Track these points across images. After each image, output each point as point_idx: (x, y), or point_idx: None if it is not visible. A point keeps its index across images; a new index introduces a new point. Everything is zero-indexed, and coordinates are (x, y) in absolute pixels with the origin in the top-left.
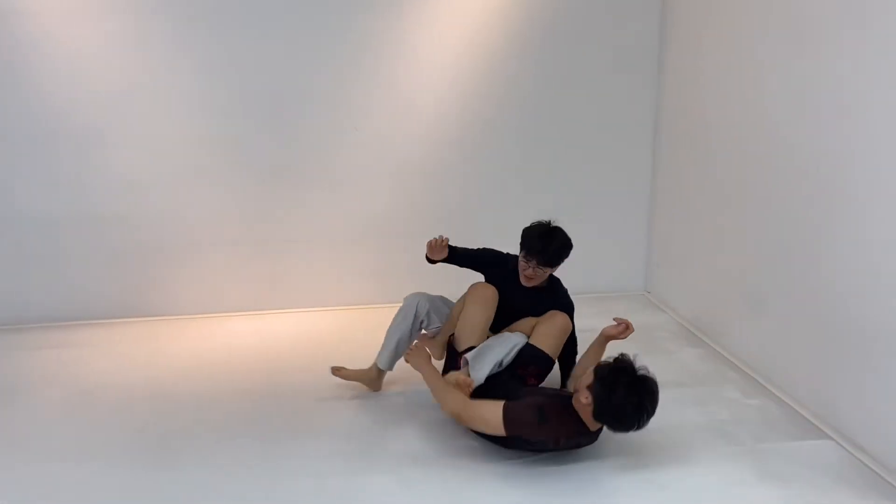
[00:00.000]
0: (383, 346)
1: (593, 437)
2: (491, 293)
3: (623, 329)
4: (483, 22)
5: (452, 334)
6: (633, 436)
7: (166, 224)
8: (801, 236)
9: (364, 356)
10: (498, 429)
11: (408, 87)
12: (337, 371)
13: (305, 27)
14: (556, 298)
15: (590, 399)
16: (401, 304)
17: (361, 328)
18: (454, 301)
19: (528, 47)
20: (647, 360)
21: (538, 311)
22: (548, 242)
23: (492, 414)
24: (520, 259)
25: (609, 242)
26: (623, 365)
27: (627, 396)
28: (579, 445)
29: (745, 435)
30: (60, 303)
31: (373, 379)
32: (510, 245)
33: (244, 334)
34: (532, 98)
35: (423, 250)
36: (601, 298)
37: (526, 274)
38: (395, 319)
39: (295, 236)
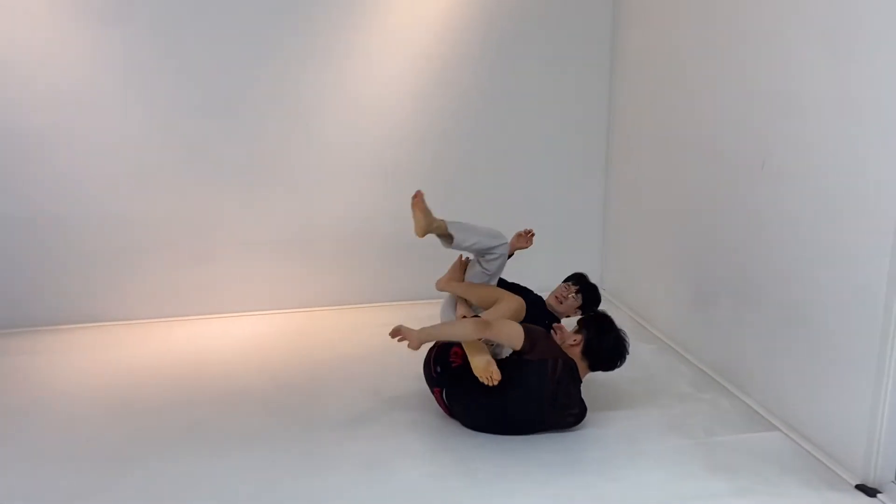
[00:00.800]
0: (464, 228)
1: (578, 400)
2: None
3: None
4: (437, 25)
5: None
6: (584, 430)
7: (110, 227)
8: (749, 231)
9: (317, 358)
10: (519, 338)
11: (362, 90)
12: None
13: (260, 29)
14: None
15: (579, 339)
16: (493, 228)
17: (314, 330)
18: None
19: (483, 49)
20: None
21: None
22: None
23: (515, 329)
24: (561, 286)
25: (564, 239)
26: (605, 315)
27: (616, 337)
28: (568, 403)
29: (697, 428)
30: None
31: (431, 229)
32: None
33: (193, 339)
34: (486, 99)
35: (378, 251)
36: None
37: (563, 296)
38: (484, 227)
39: (246, 239)
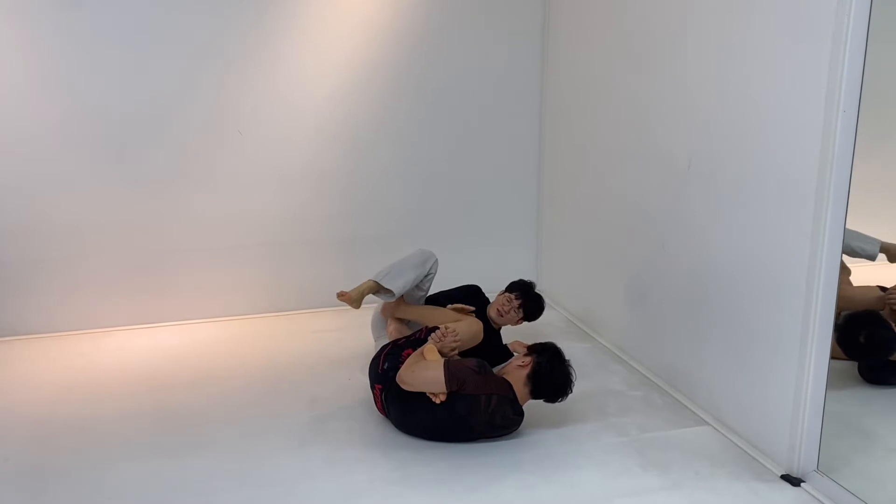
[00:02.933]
0: (395, 273)
1: (518, 416)
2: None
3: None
4: (367, 22)
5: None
6: (521, 431)
7: (35, 235)
8: (677, 230)
9: (251, 367)
10: (440, 383)
11: (290, 92)
12: (342, 296)
13: (186, 30)
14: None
15: (528, 361)
16: (417, 251)
17: (249, 339)
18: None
19: (415, 49)
20: None
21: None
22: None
23: (434, 371)
24: (503, 297)
25: (500, 241)
26: (551, 343)
27: (565, 372)
28: (505, 424)
29: (630, 426)
30: None
31: (363, 297)
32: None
33: (126, 350)
34: (419, 99)
35: (312, 256)
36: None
37: (504, 309)
38: (410, 259)
39: (171, 246)
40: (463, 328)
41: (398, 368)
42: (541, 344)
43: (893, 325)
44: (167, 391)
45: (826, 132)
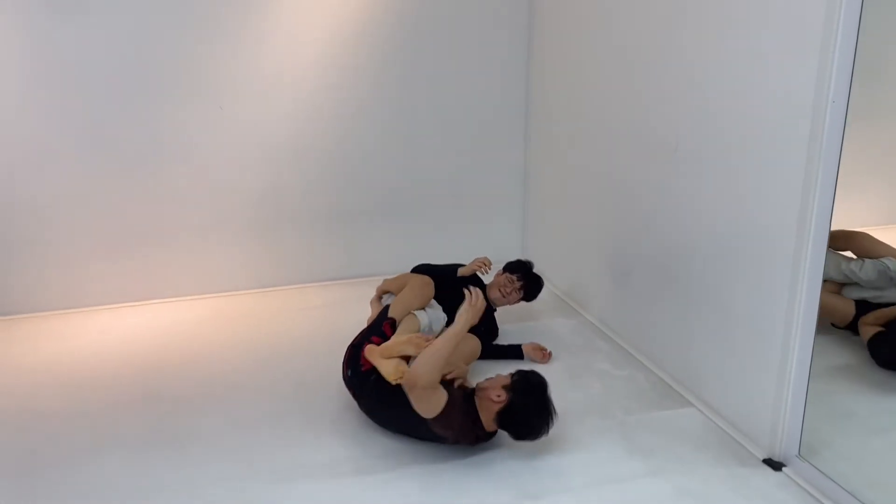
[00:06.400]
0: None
1: (489, 436)
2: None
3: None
4: (350, 2)
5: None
6: None
7: (11, 214)
8: (664, 211)
9: (241, 347)
10: (430, 412)
11: (271, 66)
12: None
13: (166, 5)
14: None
15: (503, 398)
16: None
17: (235, 317)
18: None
19: (401, 22)
20: (522, 332)
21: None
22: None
23: (437, 402)
24: (504, 278)
25: (488, 217)
26: (539, 380)
27: (539, 411)
28: (477, 441)
29: (615, 407)
30: None
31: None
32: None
33: (110, 331)
34: (403, 76)
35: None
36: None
37: (505, 290)
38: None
39: (156, 224)
40: (405, 292)
41: (360, 373)
42: (523, 379)
43: None
44: (152, 376)
45: (815, 119)
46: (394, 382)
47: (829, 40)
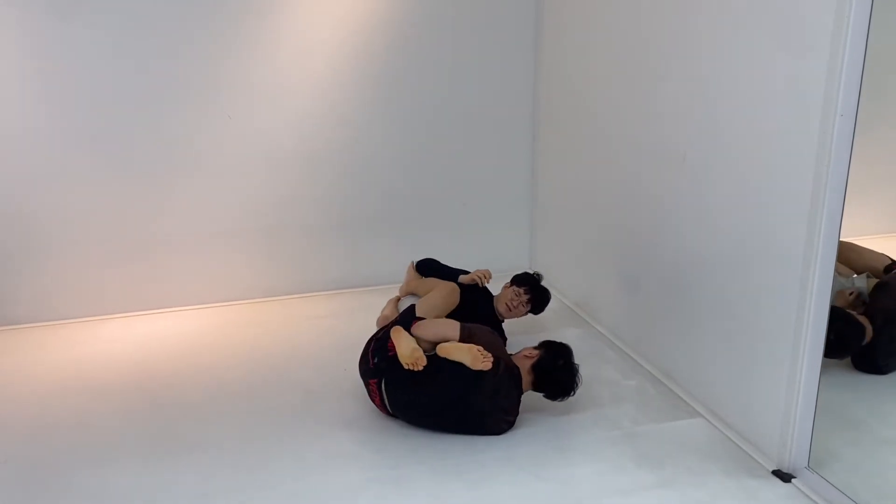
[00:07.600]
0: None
1: (515, 418)
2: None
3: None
4: (358, 6)
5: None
6: (515, 425)
7: (18, 223)
8: (673, 221)
9: (246, 355)
10: (454, 328)
11: (282, 76)
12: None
13: (175, 16)
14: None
15: (535, 355)
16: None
17: (242, 326)
18: None
19: (405, 31)
20: (530, 341)
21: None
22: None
23: (449, 323)
24: (511, 291)
25: (495, 225)
26: (565, 344)
27: (570, 371)
28: (506, 406)
29: (623, 417)
30: None
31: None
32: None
33: (119, 340)
34: (411, 83)
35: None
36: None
37: (513, 304)
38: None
39: (164, 234)
40: (433, 296)
41: (388, 357)
42: (552, 341)
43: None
44: (160, 384)
45: (823, 129)
46: (405, 365)
47: (838, 51)
